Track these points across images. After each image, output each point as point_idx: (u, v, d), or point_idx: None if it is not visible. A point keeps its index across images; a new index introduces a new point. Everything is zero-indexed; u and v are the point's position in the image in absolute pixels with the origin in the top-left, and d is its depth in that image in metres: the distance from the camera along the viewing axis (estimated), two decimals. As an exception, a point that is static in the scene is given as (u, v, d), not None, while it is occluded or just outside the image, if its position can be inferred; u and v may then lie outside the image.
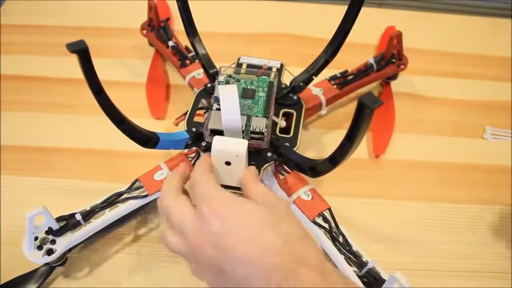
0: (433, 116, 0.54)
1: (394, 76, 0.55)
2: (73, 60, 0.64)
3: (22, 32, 0.63)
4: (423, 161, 0.50)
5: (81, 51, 0.29)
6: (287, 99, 0.43)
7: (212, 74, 0.44)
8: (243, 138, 0.37)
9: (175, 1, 0.43)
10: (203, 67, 0.45)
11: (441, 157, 0.50)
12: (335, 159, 0.33)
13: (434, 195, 0.47)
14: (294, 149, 0.40)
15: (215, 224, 0.29)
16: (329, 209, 0.39)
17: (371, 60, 0.52)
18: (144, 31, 0.57)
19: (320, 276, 0.28)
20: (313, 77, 0.43)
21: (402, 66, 0.53)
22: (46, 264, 0.39)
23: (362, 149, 0.50)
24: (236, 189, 0.36)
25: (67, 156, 0.49)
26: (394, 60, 0.53)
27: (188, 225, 0.30)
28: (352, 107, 0.54)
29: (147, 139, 0.38)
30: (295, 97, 0.43)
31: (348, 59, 0.52)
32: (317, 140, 0.51)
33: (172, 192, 0.33)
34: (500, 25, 0.65)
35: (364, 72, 0.51)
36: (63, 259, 0.39)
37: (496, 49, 0.61)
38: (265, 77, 0.41)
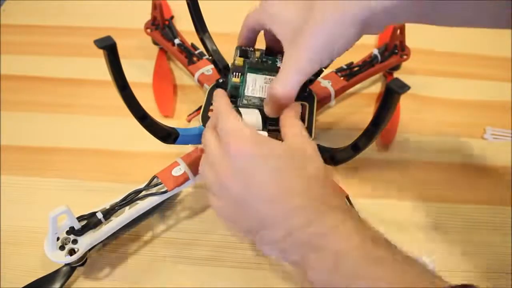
0: (433, 116, 0.54)
1: (397, 67, 0.57)
2: (73, 60, 0.65)
3: (22, 32, 0.63)
4: (423, 161, 0.50)
5: (109, 47, 0.29)
6: (299, 91, 0.44)
7: (223, 69, 0.44)
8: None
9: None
10: (214, 62, 0.45)
11: (441, 157, 0.50)
12: (358, 146, 0.33)
13: (434, 195, 0.47)
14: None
15: (240, 161, 0.30)
16: (347, 196, 0.40)
17: (376, 51, 0.54)
18: (148, 30, 0.57)
19: (350, 219, 0.28)
20: (323, 69, 0.44)
21: (405, 57, 0.55)
22: (67, 264, 0.39)
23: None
24: None
25: (67, 156, 0.49)
26: (397, 51, 0.54)
27: (216, 157, 0.31)
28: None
29: (168, 135, 0.39)
30: (306, 89, 0.43)
31: (346, 59, 0.52)
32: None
33: (211, 123, 0.35)
34: (500, 25, 0.64)
35: (369, 63, 0.53)
36: (83, 259, 0.39)
37: (496, 49, 0.61)
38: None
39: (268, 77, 0.40)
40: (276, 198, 0.29)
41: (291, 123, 0.34)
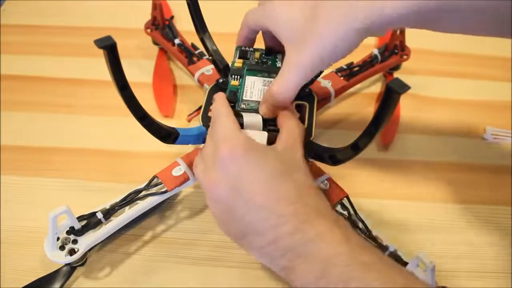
0: (433, 116, 0.54)
1: (397, 67, 0.57)
2: (73, 60, 0.65)
3: (22, 32, 0.63)
4: (423, 161, 0.50)
5: (109, 47, 0.29)
6: (299, 91, 0.44)
7: (223, 69, 0.44)
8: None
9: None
10: (214, 62, 0.45)
11: (441, 157, 0.50)
12: (358, 146, 0.33)
13: (433, 195, 0.47)
14: (310, 139, 0.41)
15: (231, 167, 0.30)
16: (347, 197, 0.41)
17: (376, 51, 0.53)
18: (149, 30, 0.57)
19: (337, 226, 0.29)
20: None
21: (405, 57, 0.55)
22: (67, 264, 0.39)
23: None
24: None
25: (67, 156, 0.49)
26: (397, 51, 0.54)
27: (209, 161, 0.32)
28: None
29: (168, 135, 0.39)
30: (306, 89, 0.44)
31: (347, 58, 0.52)
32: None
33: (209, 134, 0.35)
34: (500, 25, 0.65)
35: (369, 63, 0.53)
36: (83, 259, 0.39)
37: (496, 49, 0.61)
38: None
39: (267, 79, 0.40)
40: (266, 206, 0.29)
41: (288, 125, 0.35)
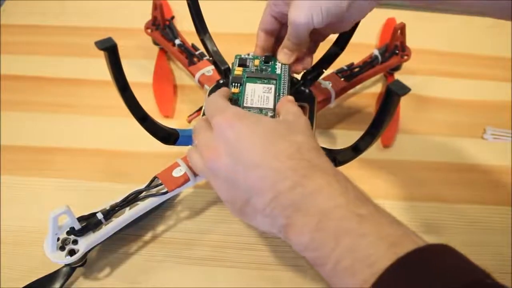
0: (433, 116, 0.54)
1: (398, 67, 0.57)
2: (73, 60, 0.65)
3: (22, 32, 0.63)
4: (423, 161, 0.50)
5: (110, 49, 0.29)
6: (299, 92, 0.44)
7: (224, 71, 0.44)
8: None
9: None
10: (215, 63, 0.45)
11: (441, 157, 0.50)
12: (358, 148, 0.33)
13: (433, 195, 0.47)
14: None
15: (228, 134, 0.30)
16: None
17: (376, 52, 0.53)
18: (149, 30, 0.57)
19: (336, 180, 0.28)
20: (323, 70, 0.44)
21: (406, 57, 0.55)
22: (67, 264, 0.39)
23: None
24: None
25: (67, 156, 0.49)
26: (397, 52, 0.54)
27: (203, 139, 0.32)
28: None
29: (168, 136, 0.39)
30: (307, 90, 0.43)
31: (348, 59, 0.52)
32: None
33: (202, 117, 0.35)
34: (500, 25, 0.64)
35: (369, 64, 0.53)
36: (83, 260, 0.39)
37: (496, 49, 0.61)
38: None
39: (267, 85, 0.40)
40: (264, 164, 0.29)
41: (287, 104, 0.35)
